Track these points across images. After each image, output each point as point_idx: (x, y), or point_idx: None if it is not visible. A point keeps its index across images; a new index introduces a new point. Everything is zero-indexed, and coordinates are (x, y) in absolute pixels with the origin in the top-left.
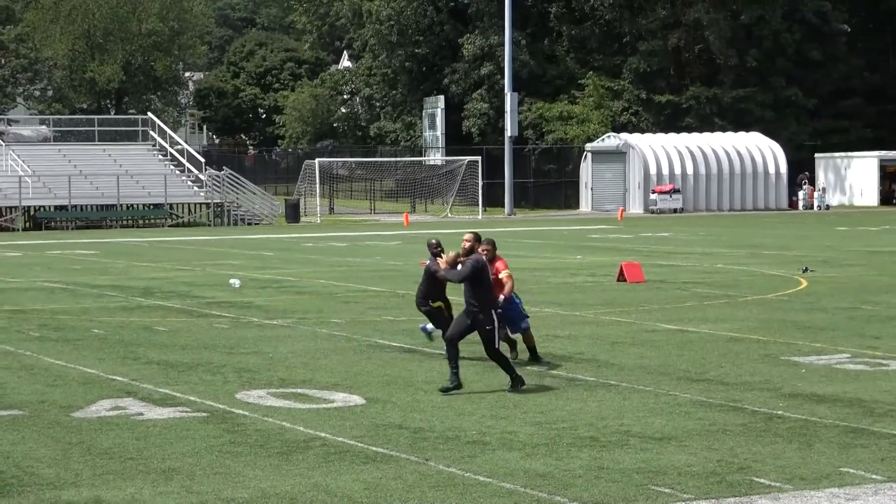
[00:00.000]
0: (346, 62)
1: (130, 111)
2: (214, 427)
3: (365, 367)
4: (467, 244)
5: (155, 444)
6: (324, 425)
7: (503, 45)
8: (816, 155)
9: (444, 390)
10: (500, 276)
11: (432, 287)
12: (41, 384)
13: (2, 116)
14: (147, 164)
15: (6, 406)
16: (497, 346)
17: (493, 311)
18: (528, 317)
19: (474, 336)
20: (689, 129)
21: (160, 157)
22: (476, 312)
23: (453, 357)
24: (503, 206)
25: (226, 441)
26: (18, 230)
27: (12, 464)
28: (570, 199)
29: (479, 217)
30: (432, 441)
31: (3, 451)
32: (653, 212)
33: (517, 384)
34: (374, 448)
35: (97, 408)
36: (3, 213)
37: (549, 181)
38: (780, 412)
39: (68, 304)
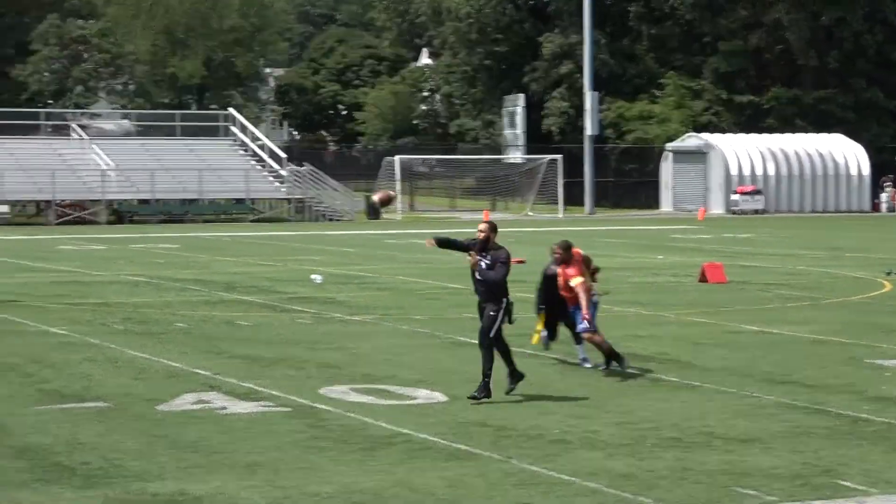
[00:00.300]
0: (425, 59)
1: (211, 106)
2: (298, 422)
3: (447, 364)
4: (482, 234)
5: (239, 438)
6: (407, 422)
7: (583, 43)
8: None
9: (508, 391)
10: (571, 283)
11: (551, 290)
12: (126, 377)
13: (85, 110)
14: (228, 160)
15: (92, 398)
16: (493, 336)
17: (502, 300)
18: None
19: (563, 337)
20: (770, 130)
21: (241, 152)
22: (485, 301)
23: (505, 354)
24: (583, 205)
25: (309, 436)
26: (102, 224)
27: (99, 455)
28: (650, 198)
29: (560, 216)
30: (515, 439)
31: (90, 442)
32: (734, 213)
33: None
34: (456, 445)
35: (181, 401)
36: (87, 207)
37: (629, 181)
38: (864, 415)
39: (152, 297)
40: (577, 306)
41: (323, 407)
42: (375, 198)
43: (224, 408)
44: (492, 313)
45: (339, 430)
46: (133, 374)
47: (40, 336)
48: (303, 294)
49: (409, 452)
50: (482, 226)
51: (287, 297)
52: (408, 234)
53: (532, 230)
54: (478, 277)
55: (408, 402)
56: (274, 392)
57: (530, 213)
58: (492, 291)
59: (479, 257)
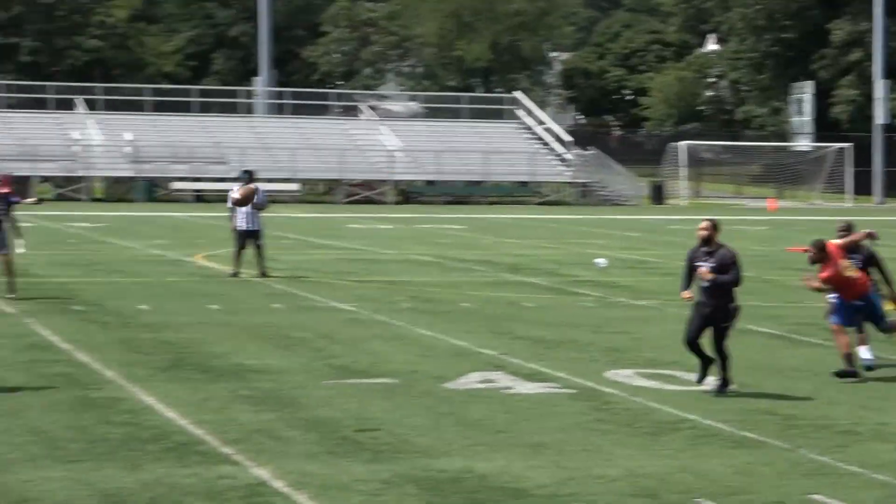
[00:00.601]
0: (711, 45)
1: (497, 90)
2: (582, 404)
3: (732, 351)
4: (704, 233)
5: (524, 417)
6: (692, 407)
7: (873, 31)
8: None
9: (717, 392)
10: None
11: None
12: (413, 354)
13: (373, 92)
14: (513, 143)
15: (381, 374)
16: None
17: (729, 305)
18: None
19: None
20: None
21: (526, 135)
22: (714, 307)
23: (699, 353)
24: (872, 194)
25: (594, 418)
26: (389, 203)
27: (387, 431)
28: None
29: (848, 205)
30: (803, 429)
31: (378, 417)
32: None
33: (723, 386)
34: (743, 433)
35: (467, 380)
36: (375, 186)
37: None
38: None
39: (437, 277)
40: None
41: (607, 390)
42: (236, 195)
43: (509, 387)
44: (724, 325)
45: (624, 414)
46: (420, 351)
47: (329, 312)
48: (587, 277)
49: (695, 438)
50: (704, 223)
51: (571, 280)
52: (693, 219)
53: (819, 219)
54: (705, 284)
55: (693, 387)
56: (558, 373)
57: (817, 202)
58: (720, 295)
59: (706, 268)
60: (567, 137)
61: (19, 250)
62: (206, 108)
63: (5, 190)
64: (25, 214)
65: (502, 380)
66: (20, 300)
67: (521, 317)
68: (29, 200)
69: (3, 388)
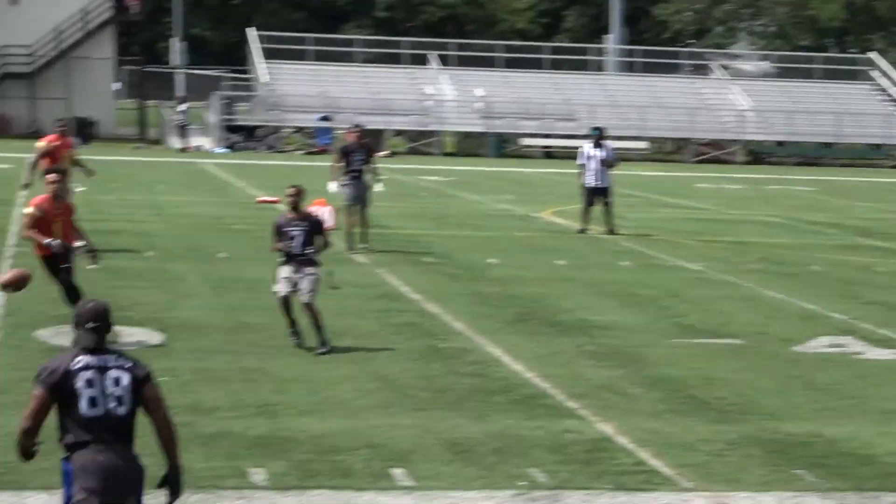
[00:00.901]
0: None
1: (851, 50)
2: None
3: None
4: None
5: (874, 384)
6: None
7: None
8: None
9: None
10: None
11: None
12: (761, 316)
13: (725, 51)
14: (867, 104)
15: (728, 335)
16: None
17: None
18: None
19: None
20: None
21: (880, 97)
22: None
23: None
24: None
25: None
26: (738, 164)
27: (733, 391)
28: None
29: None
30: None
31: (725, 378)
32: None
33: None
34: None
35: (816, 343)
36: (724, 146)
37: None
38: None
39: (787, 238)
40: None
41: None
42: (9, 277)
43: (860, 353)
44: None
45: None
46: (768, 313)
47: (676, 271)
48: None
49: None
50: None
51: None
52: None
53: None
54: None
55: None
56: None
57: None
58: None
59: None
60: None
61: (378, 188)
62: (556, 66)
63: (365, 140)
64: (379, 167)
65: (853, 345)
66: (373, 251)
67: (872, 282)
68: (382, 154)
69: (352, 343)
